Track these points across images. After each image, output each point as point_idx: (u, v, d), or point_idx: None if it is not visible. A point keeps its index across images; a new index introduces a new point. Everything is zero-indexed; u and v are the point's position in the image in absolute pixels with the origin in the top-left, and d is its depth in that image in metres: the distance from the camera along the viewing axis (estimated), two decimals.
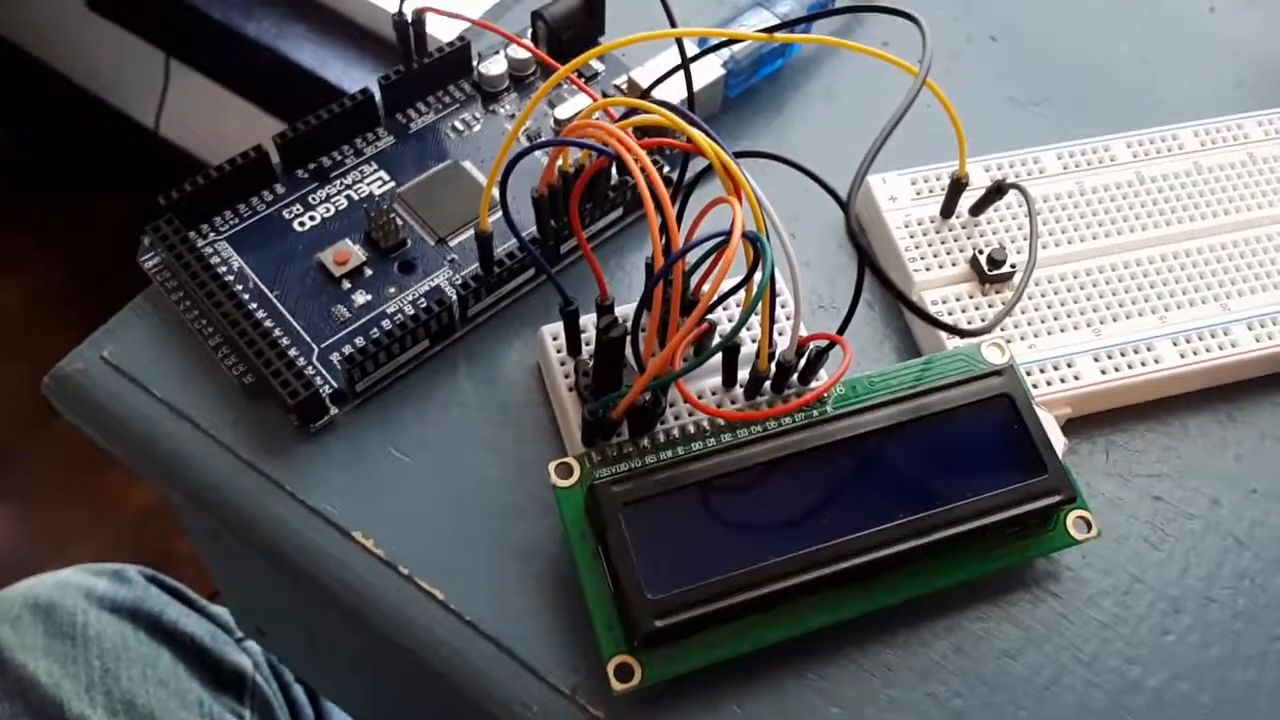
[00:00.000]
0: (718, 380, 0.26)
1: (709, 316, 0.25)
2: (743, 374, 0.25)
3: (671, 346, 0.22)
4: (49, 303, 0.94)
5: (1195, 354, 0.27)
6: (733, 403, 0.25)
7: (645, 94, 0.27)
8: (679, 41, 0.25)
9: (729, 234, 0.21)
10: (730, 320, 0.26)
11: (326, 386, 0.25)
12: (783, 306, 0.26)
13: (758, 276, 0.22)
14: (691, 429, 0.24)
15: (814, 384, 0.25)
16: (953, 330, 0.25)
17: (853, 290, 0.23)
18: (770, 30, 0.26)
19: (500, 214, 0.28)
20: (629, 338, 0.24)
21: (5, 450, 0.86)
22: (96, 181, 0.99)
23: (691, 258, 0.23)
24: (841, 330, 0.24)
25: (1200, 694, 0.24)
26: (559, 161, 0.25)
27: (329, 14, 0.81)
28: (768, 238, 0.22)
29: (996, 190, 0.28)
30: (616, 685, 0.22)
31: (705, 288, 0.22)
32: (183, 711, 0.37)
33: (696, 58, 0.26)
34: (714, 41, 0.28)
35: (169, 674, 0.38)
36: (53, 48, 1.00)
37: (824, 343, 0.24)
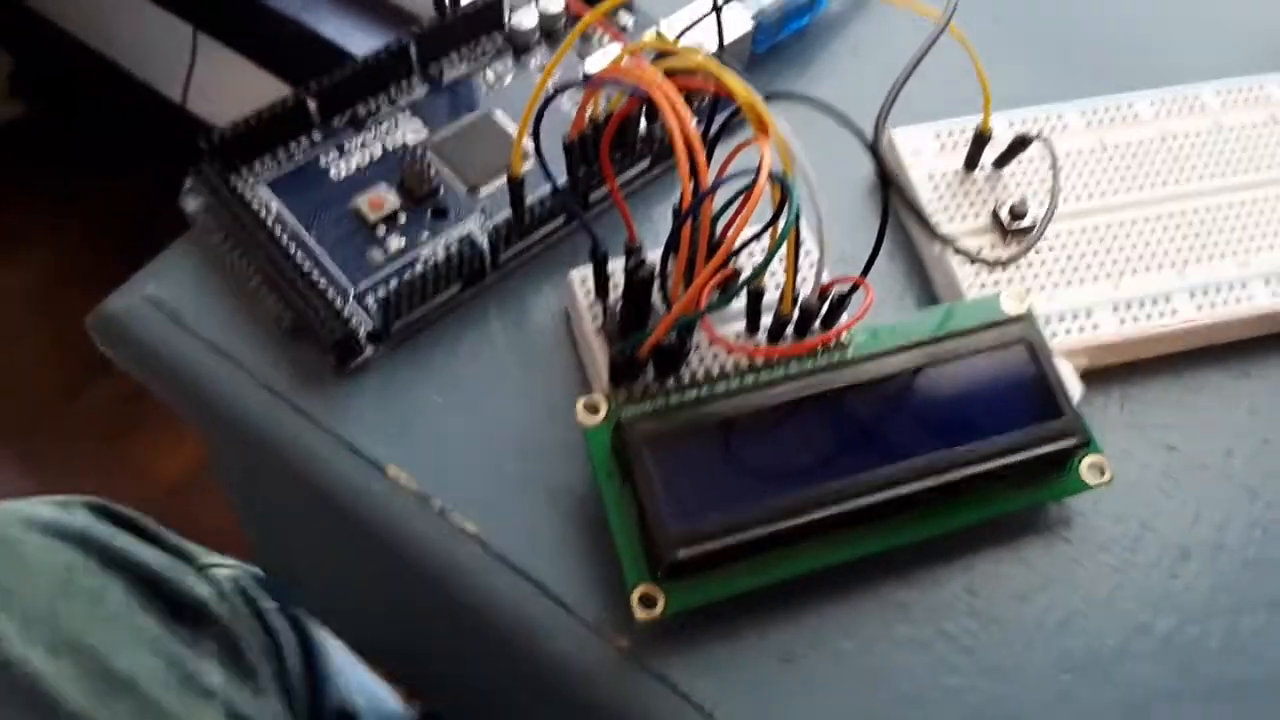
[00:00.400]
0: (742, 325, 0.26)
1: (735, 262, 0.25)
2: (767, 320, 0.26)
3: (698, 285, 0.22)
4: (74, 276, 0.95)
5: (1213, 307, 0.28)
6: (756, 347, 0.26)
7: (678, 39, 0.28)
8: None
9: (756, 175, 0.21)
10: (755, 267, 0.27)
11: (362, 328, 0.26)
12: (806, 254, 0.27)
13: (783, 219, 0.23)
14: (716, 371, 0.25)
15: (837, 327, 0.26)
16: (970, 257, 0.25)
17: (874, 239, 0.24)
18: None
19: (531, 162, 0.28)
20: (656, 279, 0.24)
21: (31, 421, 0.88)
22: (122, 155, 1.00)
23: (719, 203, 0.24)
24: (864, 273, 0.25)
25: (1208, 639, 0.25)
26: (589, 109, 0.25)
27: None
28: (794, 179, 0.22)
29: (1020, 143, 0.28)
30: (640, 613, 0.23)
31: (732, 232, 0.23)
32: (134, 650, 0.33)
33: (725, 3, 0.27)
34: None
35: (119, 609, 0.34)
36: (80, 21, 1.00)
37: (846, 287, 0.25)
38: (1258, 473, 0.27)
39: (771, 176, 0.22)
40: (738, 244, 0.25)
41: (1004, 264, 0.26)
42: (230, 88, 0.90)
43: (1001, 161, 0.29)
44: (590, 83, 0.23)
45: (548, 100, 0.24)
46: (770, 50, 0.32)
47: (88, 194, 0.98)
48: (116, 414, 0.86)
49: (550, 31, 0.31)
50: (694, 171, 0.22)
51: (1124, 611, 0.25)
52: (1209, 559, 0.26)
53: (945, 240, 0.24)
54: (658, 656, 0.24)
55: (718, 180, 0.22)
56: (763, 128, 0.22)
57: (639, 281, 0.24)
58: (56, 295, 0.94)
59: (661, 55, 0.24)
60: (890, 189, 0.22)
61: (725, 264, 0.25)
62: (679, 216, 0.22)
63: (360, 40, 0.78)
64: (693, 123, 0.22)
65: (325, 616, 0.43)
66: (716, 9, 0.26)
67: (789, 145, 0.23)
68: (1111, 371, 0.28)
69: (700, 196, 0.22)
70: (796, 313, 0.25)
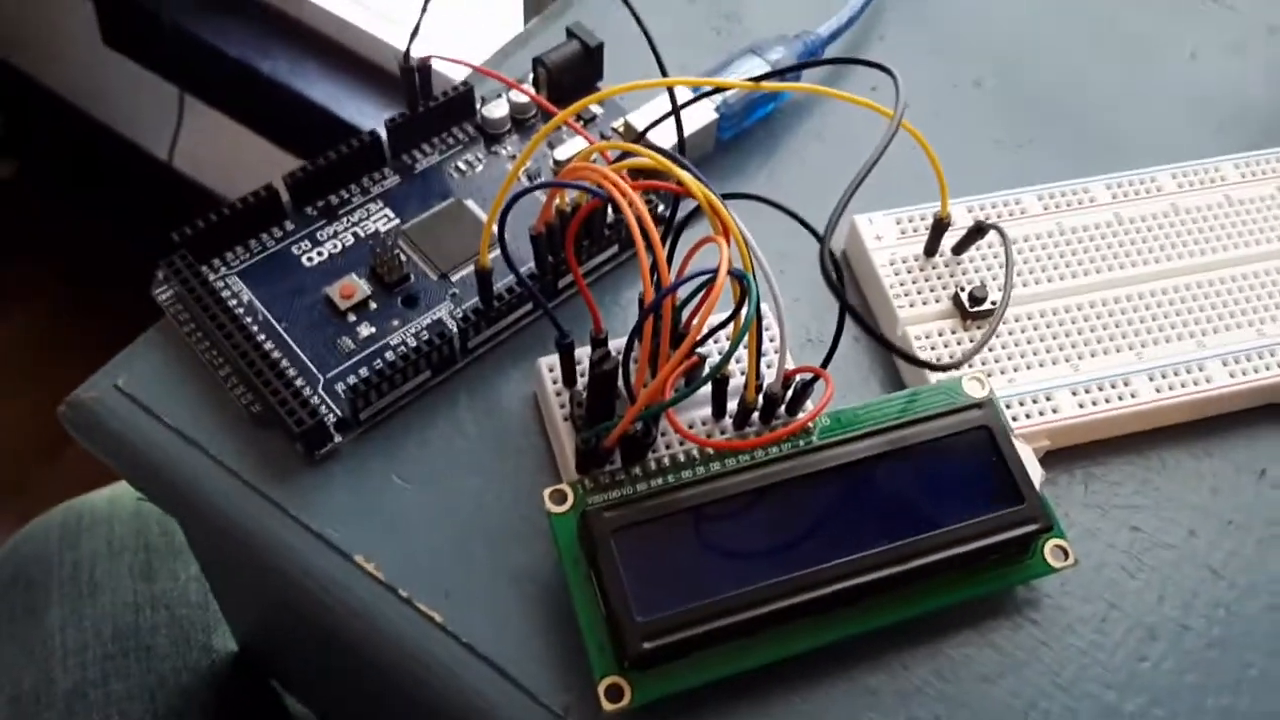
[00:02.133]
0: (708, 412, 0.27)
1: (699, 351, 0.26)
2: (732, 405, 0.26)
3: (661, 377, 0.23)
4: (60, 334, 0.95)
5: (1171, 389, 0.28)
6: (722, 433, 0.26)
7: (640, 137, 0.28)
8: (670, 90, 0.26)
9: (716, 271, 0.22)
10: (720, 354, 0.27)
11: (331, 415, 0.27)
12: (771, 340, 0.27)
13: (744, 311, 0.23)
14: (682, 458, 0.25)
15: (800, 415, 0.26)
16: (925, 365, 0.26)
17: (835, 330, 0.24)
18: (758, 79, 0.27)
19: (499, 252, 0.29)
20: (621, 369, 0.25)
21: (15, 481, 0.87)
22: (109, 214, 1.01)
23: (684, 294, 0.24)
24: (825, 364, 0.25)
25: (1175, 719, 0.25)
26: (556, 201, 0.26)
27: (341, 51, 0.83)
28: (754, 275, 0.23)
29: (977, 230, 0.29)
30: (607, 705, 0.23)
31: (695, 322, 0.23)
32: None
33: (688, 104, 0.27)
34: (706, 89, 0.29)
35: None
36: (68, 81, 1.02)
37: (809, 375, 0.25)
38: (1220, 553, 0.27)
39: (732, 273, 0.22)
40: (702, 334, 0.25)
41: (961, 363, 0.27)
42: (216, 147, 0.91)
43: (960, 248, 0.30)
44: (555, 184, 0.24)
45: (516, 197, 0.24)
46: (737, 136, 0.33)
47: (74, 254, 0.99)
48: (98, 473, 0.85)
49: (521, 120, 0.32)
50: (655, 269, 0.23)
51: (1091, 694, 0.25)
52: (1174, 639, 0.26)
53: (899, 351, 0.25)
54: None
55: (678, 280, 0.23)
56: (721, 227, 0.23)
57: (603, 374, 0.24)
58: (39, 357, 0.94)
59: (624, 155, 0.25)
60: (843, 292, 0.23)
61: (690, 355, 0.26)
62: (642, 311, 0.22)
63: (347, 103, 0.79)
64: (652, 222, 0.22)
65: (307, 700, 0.43)
66: (675, 110, 0.26)
67: (747, 243, 0.23)
68: (1075, 451, 0.28)
69: (660, 295, 0.23)
70: (761, 400, 0.26)
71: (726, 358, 0.23)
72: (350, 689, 0.34)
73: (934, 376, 0.28)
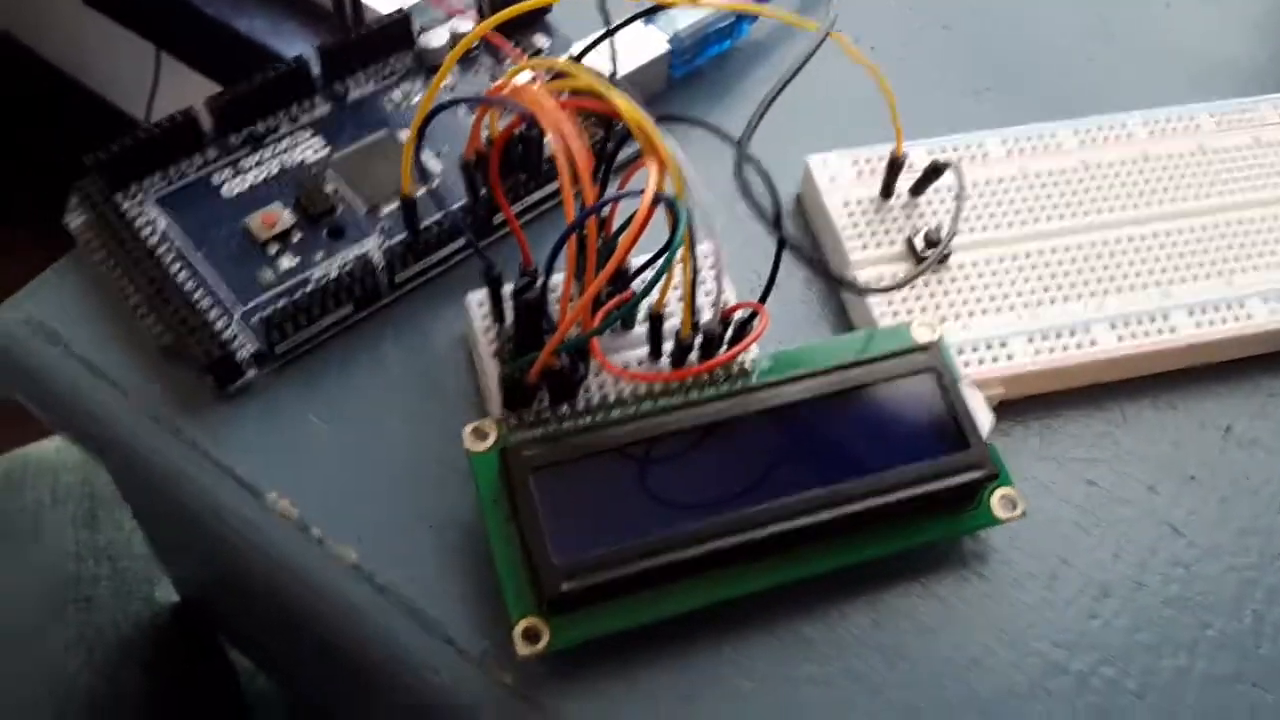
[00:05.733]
0: (644, 353, 0.25)
1: (633, 286, 0.24)
2: (669, 346, 0.25)
3: (584, 300, 0.21)
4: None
5: (1135, 337, 0.27)
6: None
7: (577, 60, 0.27)
8: (604, 9, 0.25)
9: (644, 196, 0.21)
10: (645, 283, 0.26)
11: (247, 348, 0.25)
12: (705, 280, 0.26)
13: (674, 240, 0.22)
14: (612, 398, 0.24)
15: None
16: (865, 291, 0.25)
17: (772, 264, 0.23)
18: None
19: (435, 182, 0.28)
20: (552, 308, 0.23)
21: None
22: (84, 172, 0.99)
23: (617, 228, 0.23)
24: (763, 299, 0.24)
25: (1126, 679, 0.24)
26: (482, 129, 0.25)
27: (320, 10, 0.81)
28: (684, 203, 0.22)
29: (934, 170, 0.28)
30: (523, 648, 0.21)
31: (618, 247, 0.22)
32: None
33: (624, 24, 0.26)
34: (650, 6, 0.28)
35: None
36: (45, 39, 1.00)
37: (748, 312, 0.24)
38: (1180, 509, 0.26)
39: (660, 199, 0.21)
40: (633, 269, 0.24)
41: (898, 287, 0.26)
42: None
43: (917, 189, 0.28)
44: (475, 100, 0.22)
45: (434, 112, 0.23)
46: (688, 76, 0.32)
47: (46, 215, 0.97)
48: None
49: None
50: (578, 188, 0.21)
51: (1038, 650, 0.24)
52: (1128, 597, 0.25)
53: (841, 281, 0.24)
54: (548, 694, 0.23)
55: (605, 197, 0.21)
56: (652, 149, 0.22)
57: (527, 304, 0.23)
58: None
59: (557, 76, 0.23)
60: (781, 223, 0.22)
61: (618, 284, 0.24)
62: (561, 237, 0.21)
63: None
64: (580, 144, 0.21)
65: (247, 652, 0.42)
66: (609, 32, 0.25)
67: (679, 167, 0.22)
68: (1031, 403, 0.27)
69: (585, 212, 0.21)
70: (699, 339, 0.24)
71: (652, 283, 0.21)
72: (281, 639, 0.32)
73: (881, 320, 0.26)
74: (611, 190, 0.23)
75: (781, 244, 0.23)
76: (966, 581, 0.25)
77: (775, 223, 0.22)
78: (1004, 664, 0.24)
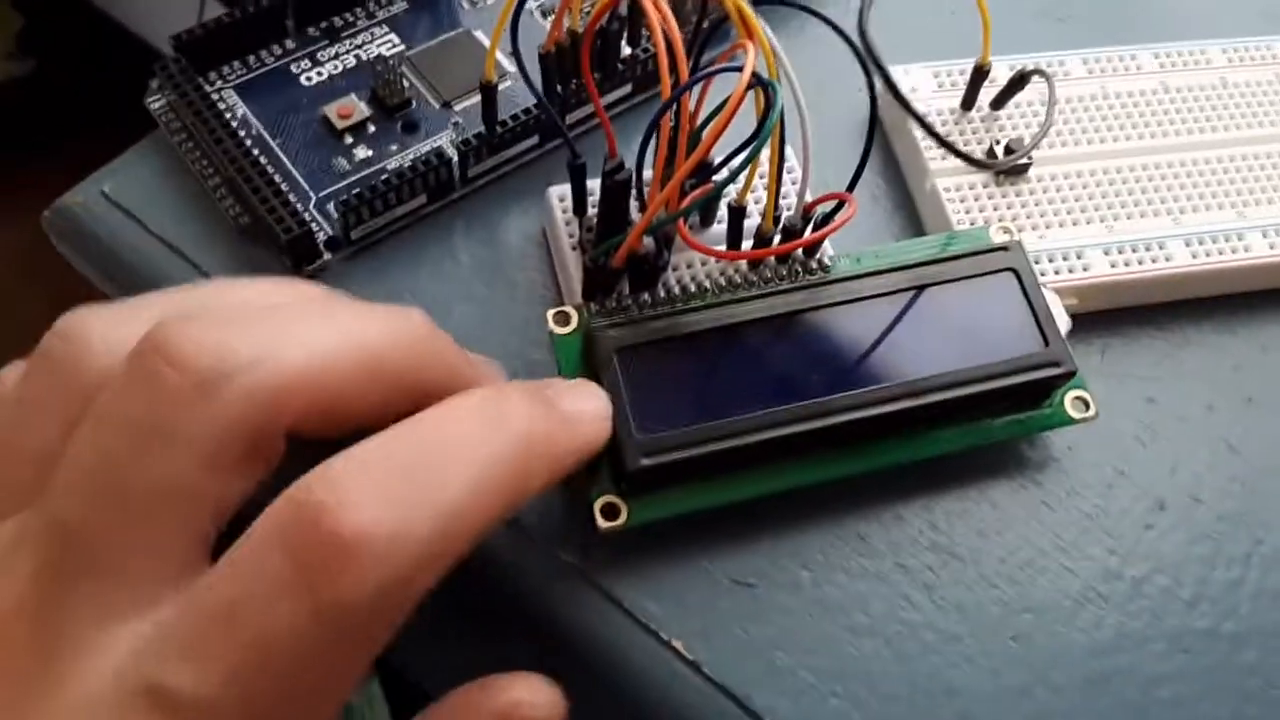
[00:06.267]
0: (724, 248, 0.25)
1: (716, 178, 0.24)
2: (749, 245, 0.25)
3: (674, 182, 0.21)
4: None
5: (1208, 255, 0.27)
6: (736, 271, 0.25)
7: None
8: None
9: (740, 75, 0.20)
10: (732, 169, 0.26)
11: (322, 232, 0.26)
12: (790, 172, 0.26)
13: (767, 122, 0.22)
14: (693, 288, 0.24)
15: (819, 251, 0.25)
16: (948, 147, 0.25)
17: (862, 152, 0.23)
18: None
19: (508, 83, 0.28)
20: (635, 193, 0.23)
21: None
22: (123, 115, 1.00)
23: (704, 117, 0.23)
24: (850, 187, 0.24)
25: (1179, 589, 0.24)
26: (565, 19, 0.25)
27: None
28: (778, 84, 0.21)
29: (1019, 79, 0.28)
30: (602, 523, 0.22)
31: (708, 132, 0.22)
32: None
33: None
34: None
35: None
36: None
37: (831, 205, 0.24)
38: (1238, 429, 0.26)
39: (757, 79, 0.21)
40: (718, 160, 0.24)
41: (989, 167, 0.26)
42: None
43: (999, 102, 0.28)
44: None
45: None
46: None
47: (88, 154, 0.98)
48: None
49: None
50: (674, 67, 0.21)
51: (1092, 557, 0.24)
52: (1184, 511, 0.25)
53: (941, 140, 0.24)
54: (608, 576, 0.23)
55: (698, 74, 0.21)
56: (748, 32, 0.22)
57: (616, 187, 0.23)
58: (51, 257, 0.93)
59: None
60: (873, 88, 0.22)
61: (705, 167, 0.24)
62: (657, 113, 0.21)
63: None
64: (673, 19, 0.21)
65: None
66: None
67: (774, 50, 0.22)
68: (1094, 322, 0.27)
69: (680, 89, 0.21)
70: (779, 234, 0.25)
71: (744, 165, 0.21)
72: None
73: (960, 227, 0.26)
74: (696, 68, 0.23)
75: (873, 128, 0.23)
76: (1024, 489, 0.25)
77: (872, 112, 0.22)
78: (1057, 567, 0.24)
